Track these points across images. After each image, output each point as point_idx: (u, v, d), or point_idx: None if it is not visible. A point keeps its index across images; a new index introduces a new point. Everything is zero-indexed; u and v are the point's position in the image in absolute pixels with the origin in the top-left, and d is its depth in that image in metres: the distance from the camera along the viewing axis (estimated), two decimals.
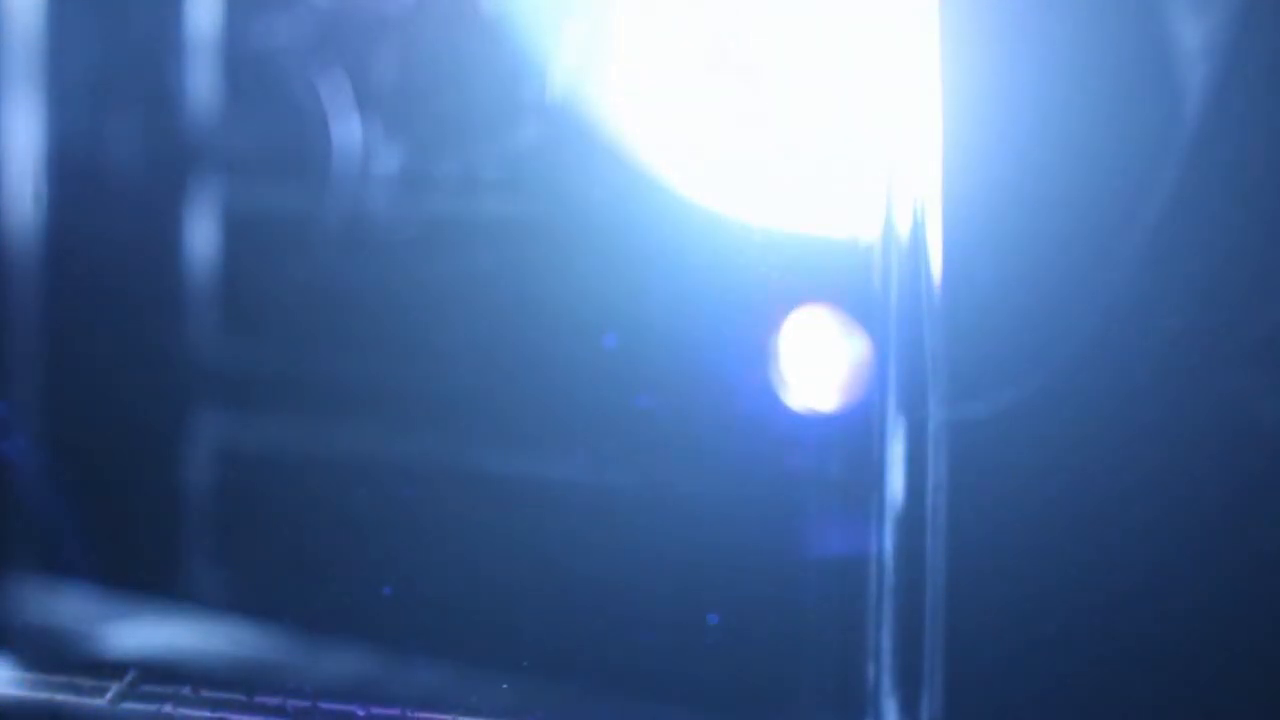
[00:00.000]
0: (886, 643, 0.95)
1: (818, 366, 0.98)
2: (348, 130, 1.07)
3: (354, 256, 1.07)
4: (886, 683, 0.95)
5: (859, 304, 0.96)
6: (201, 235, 1.11)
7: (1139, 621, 0.92)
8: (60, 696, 1.06)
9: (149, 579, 1.11)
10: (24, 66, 1.12)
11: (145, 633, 1.09)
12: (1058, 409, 0.93)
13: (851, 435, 0.96)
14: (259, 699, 1.03)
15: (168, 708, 1.03)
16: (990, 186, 0.93)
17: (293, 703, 1.02)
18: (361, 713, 1.01)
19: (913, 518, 0.94)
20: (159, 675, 1.06)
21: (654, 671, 1.01)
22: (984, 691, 0.94)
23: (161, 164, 1.11)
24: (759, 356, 0.99)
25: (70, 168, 1.12)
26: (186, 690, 1.03)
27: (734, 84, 0.99)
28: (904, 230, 0.95)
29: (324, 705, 1.02)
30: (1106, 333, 0.92)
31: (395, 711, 1.01)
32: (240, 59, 1.09)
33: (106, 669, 1.07)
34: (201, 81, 1.10)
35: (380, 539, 1.07)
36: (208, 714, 1.02)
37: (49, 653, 1.08)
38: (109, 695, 1.04)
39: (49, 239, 1.13)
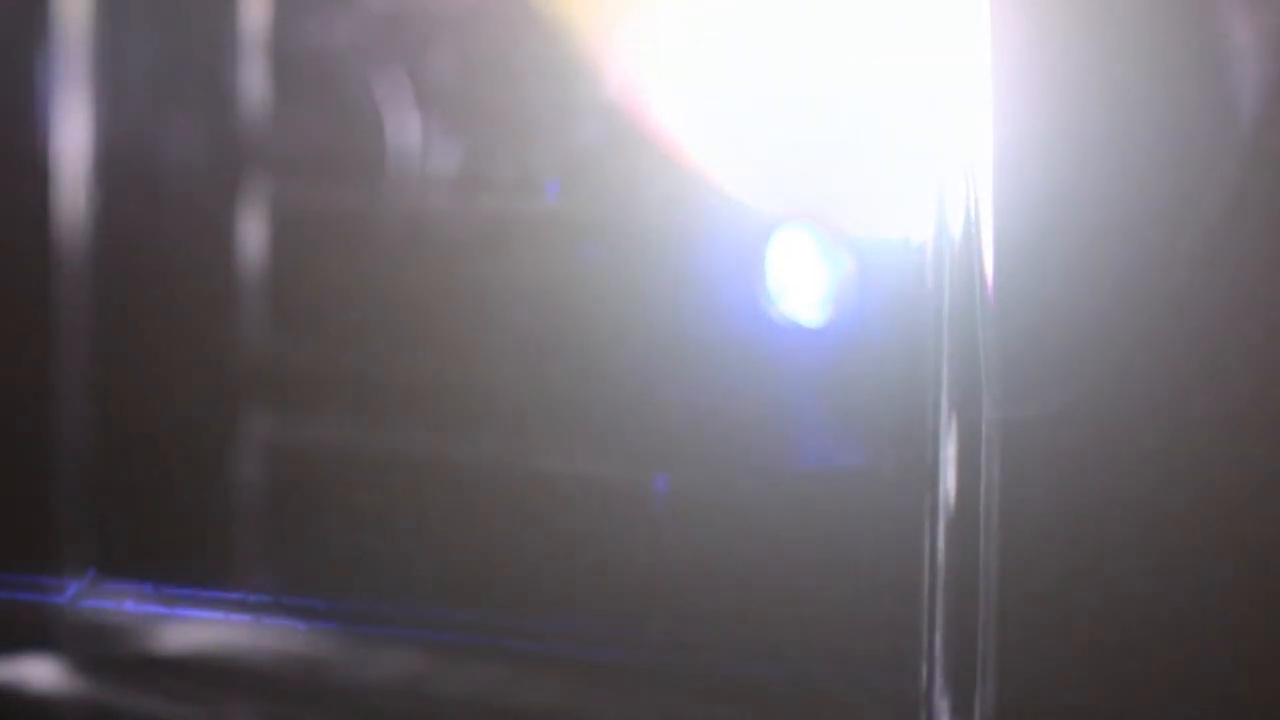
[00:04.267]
0: (939, 643, 0.95)
1: (871, 365, 0.98)
2: (403, 130, 1.07)
3: (408, 256, 1.07)
4: (939, 683, 0.95)
5: (912, 304, 0.96)
6: (255, 234, 1.11)
7: (1194, 622, 0.92)
8: (108, 694, 1.07)
9: (199, 575, 1.11)
10: (78, 65, 1.13)
11: (196, 628, 1.09)
12: (1111, 409, 0.92)
13: (905, 435, 0.96)
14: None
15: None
16: (1043, 186, 0.93)
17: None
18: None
19: (966, 518, 0.94)
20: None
21: (705, 671, 1.01)
22: (1037, 692, 0.94)
23: (215, 162, 1.12)
24: (813, 356, 1.00)
25: (124, 166, 1.13)
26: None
27: (787, 85, 0.99)
28: (957, 230, 0.95)
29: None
30: (1159, 333, 0.92)
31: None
32: (296, 58, 1.10)
33: (158, 665, 1.07)
34: (256, 80, 1.11)
35: (430, 536, 1.07)
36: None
37: (99, 650, 1.09)
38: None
39: (102, 237, 1.13)
